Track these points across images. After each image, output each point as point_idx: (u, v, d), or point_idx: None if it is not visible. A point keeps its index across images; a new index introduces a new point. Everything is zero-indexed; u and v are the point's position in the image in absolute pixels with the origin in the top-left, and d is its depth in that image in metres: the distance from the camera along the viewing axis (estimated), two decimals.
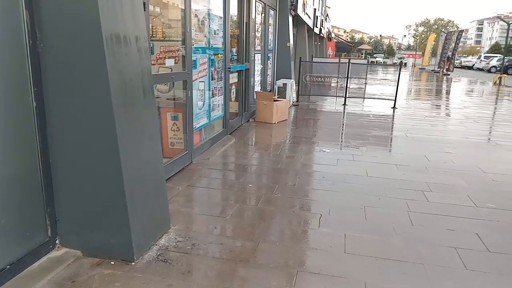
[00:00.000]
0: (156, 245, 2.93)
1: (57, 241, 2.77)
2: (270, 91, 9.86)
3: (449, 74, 27.96)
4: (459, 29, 46.59)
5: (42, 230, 2.67)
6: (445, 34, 32.21)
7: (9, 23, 2.33)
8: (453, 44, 29.71)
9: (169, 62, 4.49)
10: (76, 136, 2.60)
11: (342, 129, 7.93)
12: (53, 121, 2.58)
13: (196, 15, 5.08)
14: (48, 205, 2.66)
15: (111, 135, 2.52)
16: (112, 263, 2.67)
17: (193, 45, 4.91)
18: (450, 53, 29.62)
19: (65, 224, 2.75)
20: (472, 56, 58.55)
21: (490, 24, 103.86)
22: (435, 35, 42.52)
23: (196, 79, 5.15)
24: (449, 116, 10.30)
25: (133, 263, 2.67)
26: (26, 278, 2.42)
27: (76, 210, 2.73)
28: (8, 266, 2.37)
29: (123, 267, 2.63)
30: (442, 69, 29.43)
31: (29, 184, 2.56)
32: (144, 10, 3.20)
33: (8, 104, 2.36)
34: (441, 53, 30.85)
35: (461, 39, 35.39)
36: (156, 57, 4.30)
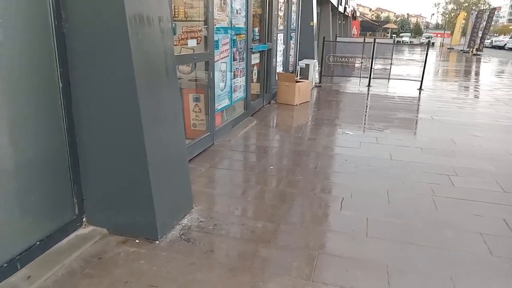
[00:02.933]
0: (179, 224, 2.98)
1: (84, 219, 2.85)
2: (292, 72, 9.74)
3: (479, 54, 26.92)
4: (491, 6, 44.51)
5: (69, 208, 2.75)
6: (476, 12, 30.85)
7: (35, 4, 2.35)
8: (484, 23, 28.45)
9: (191, 43, 4.47)
10: (101, 116, 2.63)
11: (366, 111, 7.79)
12: (78, 101, 2.62)
13: None
14: (75, 184, 2.74)
15: (135, 115, 2.55)
16: (137, 241, 2.74)
17: (215, 25, 4.87)
18: (480, 32, 28.44)
19: (91, 202, 2.83)
20: (504, 35, 56.01)
21: None
22: (465, 13, 40.80)
23: (218, 60, 5.12)
24: (478, 98, 9.96)
25: (157, 242, 2.73)
26: (55, 254, 2.52)
27: (101, 189, 2.80)
28: (38, 242, 2.47)
29: (148, 245, 2.70)
30: (471, 49, 28.34)
31: (56, 164, 2.63)
32: None
33: (35, 86, 2.41)
34: (471, 32, 29.63)
35: (493, 18, 33.84)
36: (179, 38, 4.29)
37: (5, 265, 2.24)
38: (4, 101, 2.27)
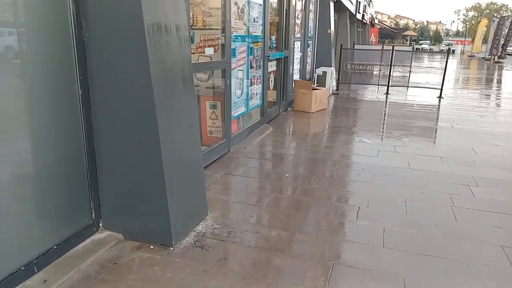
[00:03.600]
0: (194, 231, 2.99)
1: (100, 224, 2.89)
2: (309, 80, 9.72)
3: (501, 62, 26.35)
4: None
5: (86, 213, 2.79)
6: (498, 19, 30.27)
7: (57, 14, 2.42)
8: (506, 30, 27.88)
9: (209, 51, 4.51)
10: (118, 123, 2.68)
11: (384, 119, 7.70)
12: (97, 108, 2.67)
13: (236, 3, 5.06)
14: (92, 189, 2.78)
15: (152, 123, 2.58)
16: (152, 247, 2.75)
17: (232, 33, 4.91)
18: (503, 39, 27.87)
19: (108, 208, 2.86)
20: None
21: None
22: (487, 20, 40.08)
23: (235, 67, 5.16)
24: (500, 106, 9.72)
25: (171, 248, 2.74)
26: (72, 258, 2.55)
27: (118, 195, 2.83)
28: (55, 247, 2.51)
29: (162, 251, 2.71)
30: (493, 57, 27.77)
31: (75, 169, 2.68)
32: None
33: (56, 93, 2.47)
34: (493, 39, 29.07)
35: None
36: (196, 46, 4.34)
37: (22, 268, 2.28)
38: (25, 108, 2.33)
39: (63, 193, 2.60)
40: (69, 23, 2.46)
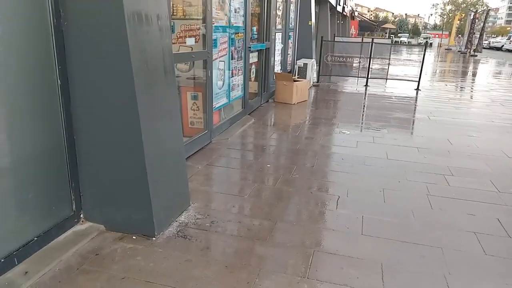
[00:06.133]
0: (176, 221, 3.00)
1: (81, 216, 2.86)
2: (290, 72, 9.75)
3: (476, 55, 27.00)
4: (489, 8, 44.64)
5: (67, 205, 2.76)
6: (473, 13, 30.94)
7: (34, 2, 2.36)
8: (481, 24, 28.52)
9: (190, 41, 4.48)
10: (99, 113, 2.65)
11: (363, 111, 7.82)
12: (77, 99, 2.63)
13: None
14: (72, 180, 2.75)
15: (133, 113, 2.56)
16: (134, 237, 2.75)
17: (213, 23, 4.88)
18: (478, 33, 28.51)
19: (88, 199, 2.84)
20: (502, 36, 56.17)
21: None
22: (463, 14, 40.93)
23: (216, 58, 5.14)
24: (474, 98, 10.01)
25: (154, 238, 2.75)
26: (53, 250, 2.53)
27: (99, 186, 2.81)
28: (36, 238, 2.48)
29: (144, 242, 2.71)
30: (469, 50, 28.42)
31: (54, 160, 2.64)
32: None
33: (34, 83, 2.42)
34: (469, 33, 29.70)
35: (491, 19, 33.86)
36: (177, 36, 4.30)
37: (2, 260, 2.25)
38: (2, 99, 2.28)
39: (42, 184, 2.57)
40: (47, 11, 2.41)
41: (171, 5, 4.03)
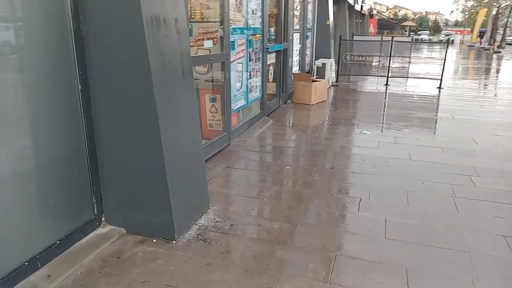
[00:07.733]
0: (196, 224, 2.99)
1: (103, 219, 2.89)
2: (308, 72, 9.68)
3: (500, 52, 26.26)
4: None
5: (88, 208, 2.79)
6: (497, 9, 30.11)
7: (55, 8, 2.39)
8: (506, 19, 27.74)
9: (208, 44, 4.48)
10: (119, 117, 2.66)
11: (384, 110, 7.69)
12: (97, 103, 2.65)
13: None
14: (94, 184, 2.77)
15: (152, 116, 2.57)
16: (154, 241, 2.76)
17: (231, 25, 4.87)
18: (502, 29, 27.75)
19: (110, 202, 2.86)
20: None
21: None
22: (486, 10, 39.86)
23: (234, 60, 5.13)
24: (499, 96, 9.71)
25: (174, 242, 2.74)
26: (75, 253, 2.56)
27: (119, 189, 2.83)
28: (58, 242, 2.51)
29: (165, 245, 2.71)
30: (492, 46, 27.67)
31: (76, 165, 2.67)
32: None
33: (54, 88, 2.45)
34: (492, 29, 28.93)
35: None
36: (195, 39, 4.31)
37: (26, 264, 2.28)
38: (24, 103, 2.32)
39: (64, 188, 2.60)
40: (67, 17, 2.44)
41: (189, 8, 4.04)
